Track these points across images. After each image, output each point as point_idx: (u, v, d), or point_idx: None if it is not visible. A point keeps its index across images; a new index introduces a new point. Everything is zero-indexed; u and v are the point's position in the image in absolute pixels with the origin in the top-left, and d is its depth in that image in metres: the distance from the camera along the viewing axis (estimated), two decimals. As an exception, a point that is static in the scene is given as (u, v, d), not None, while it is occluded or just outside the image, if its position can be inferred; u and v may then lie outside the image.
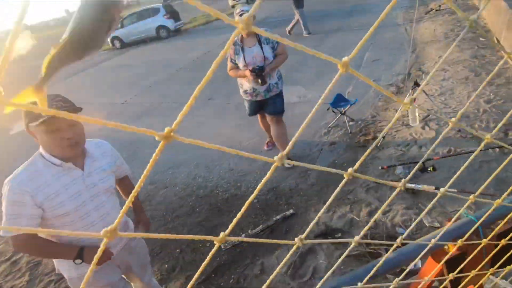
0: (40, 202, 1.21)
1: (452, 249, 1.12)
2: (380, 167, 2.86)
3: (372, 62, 5.66)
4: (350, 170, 0.39)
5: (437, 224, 2.11)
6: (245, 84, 2.98)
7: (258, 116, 3.40)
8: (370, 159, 3.10)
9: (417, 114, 3.18)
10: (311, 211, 2.67)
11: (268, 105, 3.08)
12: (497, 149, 2.66)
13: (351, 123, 3.80)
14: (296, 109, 4.57)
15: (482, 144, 0.50)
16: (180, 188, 3.43)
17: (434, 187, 2.09)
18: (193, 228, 2.84)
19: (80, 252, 1.27)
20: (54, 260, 1.45)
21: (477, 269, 1.05)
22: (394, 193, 0.44)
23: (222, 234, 0.35)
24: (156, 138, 0.25)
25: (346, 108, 3.71)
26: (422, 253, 1.07)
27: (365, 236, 2.06)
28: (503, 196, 0.71)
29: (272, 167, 0.33)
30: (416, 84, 3.08)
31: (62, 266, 1.42)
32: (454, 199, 2.30)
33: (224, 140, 4.21)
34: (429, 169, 2.43)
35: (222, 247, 2.53)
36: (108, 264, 1.38)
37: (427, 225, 2.15)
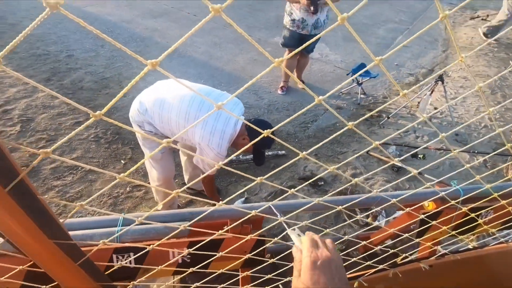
0: None
1: (432, 206, 1.30)
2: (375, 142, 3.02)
3: (403, 47, 5.53)
4: (350, 124, 0.44)
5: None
6: (296, 13, 3.02)
7: (287, 51, 3.42)
8: (368, 133, 3.23)
9: (427, 106, 3.29)
10: (301, 158, 2.83)
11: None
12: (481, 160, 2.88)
13: (362, 95, 3.86)
14: (315, 65, 4.52)
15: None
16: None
17: (416, 171, 2.28)
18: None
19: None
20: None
21: (441, 230, 1.24)
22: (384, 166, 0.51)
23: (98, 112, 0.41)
24: (146, 63, 0.30)
25: (364, 80, 3.73)
26: (401, 197, 1.23)
27: (346, 190, 2.27)
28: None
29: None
30: (440, 79, 3.12)
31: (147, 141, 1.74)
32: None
33: (236, 69, 4.15)
34: (419, 156, 2.61)
35: (212, 161, 2.68)
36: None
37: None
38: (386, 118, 3.36)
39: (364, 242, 1.17)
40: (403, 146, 2.89)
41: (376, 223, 2.13)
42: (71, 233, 0.99)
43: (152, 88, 1.61)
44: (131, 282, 0.72)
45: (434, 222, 0.97)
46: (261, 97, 3.65)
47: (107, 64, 3.91)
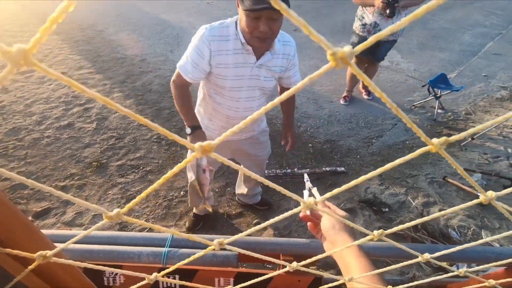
0: (213, 64, 1.27)
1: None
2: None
3: (492, 55, 4.76)
4: (491, 193, 0.25)
5: (497, 245, 1.92)
6: (368, 16, 2.79)
7: (354, 59, 3.19)
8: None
9: (528, 129, 2.71)
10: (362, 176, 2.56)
11: (379, 50, 3.02)
12: None
13: (440, 110, 3.38)
14: (383, 74, 4.13)
15: None
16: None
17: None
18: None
19: (194, 128, 1.28)
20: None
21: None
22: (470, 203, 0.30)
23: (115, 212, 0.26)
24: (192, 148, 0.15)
25: (444, 93, 3.26)
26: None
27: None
28: None
29: None
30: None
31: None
32: (527, 231, 2.06)
33: (297, 76, 4.02)
34: (515, 190, 2.14)
35: (266, 172, 2.59)
36: (220, 145, 1.49)
37: (487, 240, 1.97)
38: (470, 139, 2.87)
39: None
40: (493, 176, 2.41)
41: (454, 269, 1.79)
42: (120, 248, 0.97)
43: None
44: None
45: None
46: (322, 106, 3.45)
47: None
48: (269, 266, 1.73)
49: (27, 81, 3.69)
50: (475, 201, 0.23)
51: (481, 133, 2.87)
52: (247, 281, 0.98)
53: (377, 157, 2.80)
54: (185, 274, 1.02)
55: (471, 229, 2.04)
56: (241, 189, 2.15)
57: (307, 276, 1.02)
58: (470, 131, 0.20)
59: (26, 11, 5.77)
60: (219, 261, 0.95)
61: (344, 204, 2.28)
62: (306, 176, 0.83)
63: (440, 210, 2.19)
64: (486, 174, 2.45)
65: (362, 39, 2.91)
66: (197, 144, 0.15)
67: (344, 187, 0.23)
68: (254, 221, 2.19)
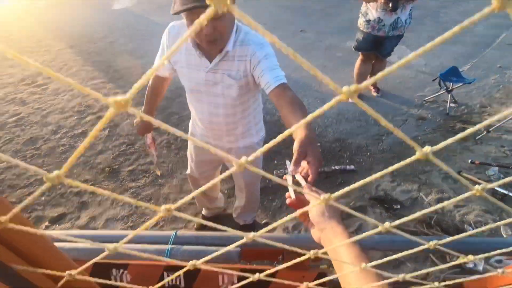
0: (172, 61, 1.29)
1: None
2: (470, 161, 2.50)
3: (506, 45, 4.60)
4: (426, 148, 0.23)
5: (517, 240, 1.84)
6: (371, 12, 2.77)
7: (361, 56, 3.16)
8: (460, 149, 2.71)
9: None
10: (373, 174, 2.51)
11: (384, 45, 2.97)
12: None
13: (452, 104, 3.28)
14: (393, 70, 4.06)
15: None
16: (249, 107, 3.45)
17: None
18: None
19: (142, 119, 1.52)
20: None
21: None
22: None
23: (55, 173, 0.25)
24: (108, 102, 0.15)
25: (456, 86, 3.17)
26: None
27: (429, 218, 1.91)
28: None
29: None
30: None
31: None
32: (550, 225, 1.96)
33: (304, 76, 4.00)
34: (535, 182, 2.04)
35: (274, 173, 2.59)
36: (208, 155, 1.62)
37: (504, 236, 1.90)
38: (486, 132, 2.77)
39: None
40: (510, 168, 2.32)
41: (470, 264, 1.72)
42: (126, 245, 0.99)
43: None
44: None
45: None
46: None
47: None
48: (277, 264, 1.72)
49: (43, 92, 3.85)
50: (413, 157, 0.23)
51: (496, 126, 2.76)
52: (250, 278, 0.98)
53: (388, 154, 2.75)
54: (190, 271, 1.03)
55: (489, 223, 1.96)
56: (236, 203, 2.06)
57: (311, 272, 1.02)
58: (373, 78, 0.20)
59: (41, 27, 6.04)
60: (221, 258, 0.95)
61: (354, 202, 2.25)
62: (287, 162, 0.82)
63: (455, 206, 2.12)
64: (503, 167, 2.36)
65: (367, 35, 2.88)
66: (111, 99, 0.16)
67: (279, 137, 0.23)
68: (263, 221, 2.19)
